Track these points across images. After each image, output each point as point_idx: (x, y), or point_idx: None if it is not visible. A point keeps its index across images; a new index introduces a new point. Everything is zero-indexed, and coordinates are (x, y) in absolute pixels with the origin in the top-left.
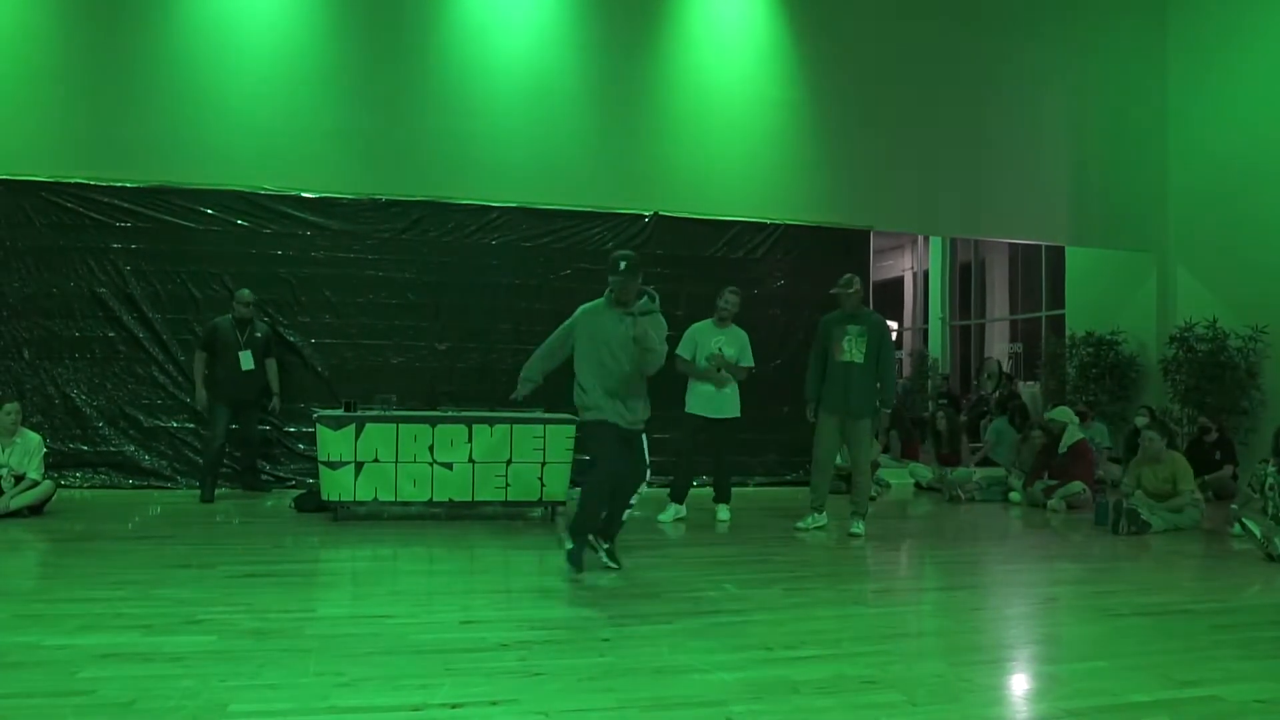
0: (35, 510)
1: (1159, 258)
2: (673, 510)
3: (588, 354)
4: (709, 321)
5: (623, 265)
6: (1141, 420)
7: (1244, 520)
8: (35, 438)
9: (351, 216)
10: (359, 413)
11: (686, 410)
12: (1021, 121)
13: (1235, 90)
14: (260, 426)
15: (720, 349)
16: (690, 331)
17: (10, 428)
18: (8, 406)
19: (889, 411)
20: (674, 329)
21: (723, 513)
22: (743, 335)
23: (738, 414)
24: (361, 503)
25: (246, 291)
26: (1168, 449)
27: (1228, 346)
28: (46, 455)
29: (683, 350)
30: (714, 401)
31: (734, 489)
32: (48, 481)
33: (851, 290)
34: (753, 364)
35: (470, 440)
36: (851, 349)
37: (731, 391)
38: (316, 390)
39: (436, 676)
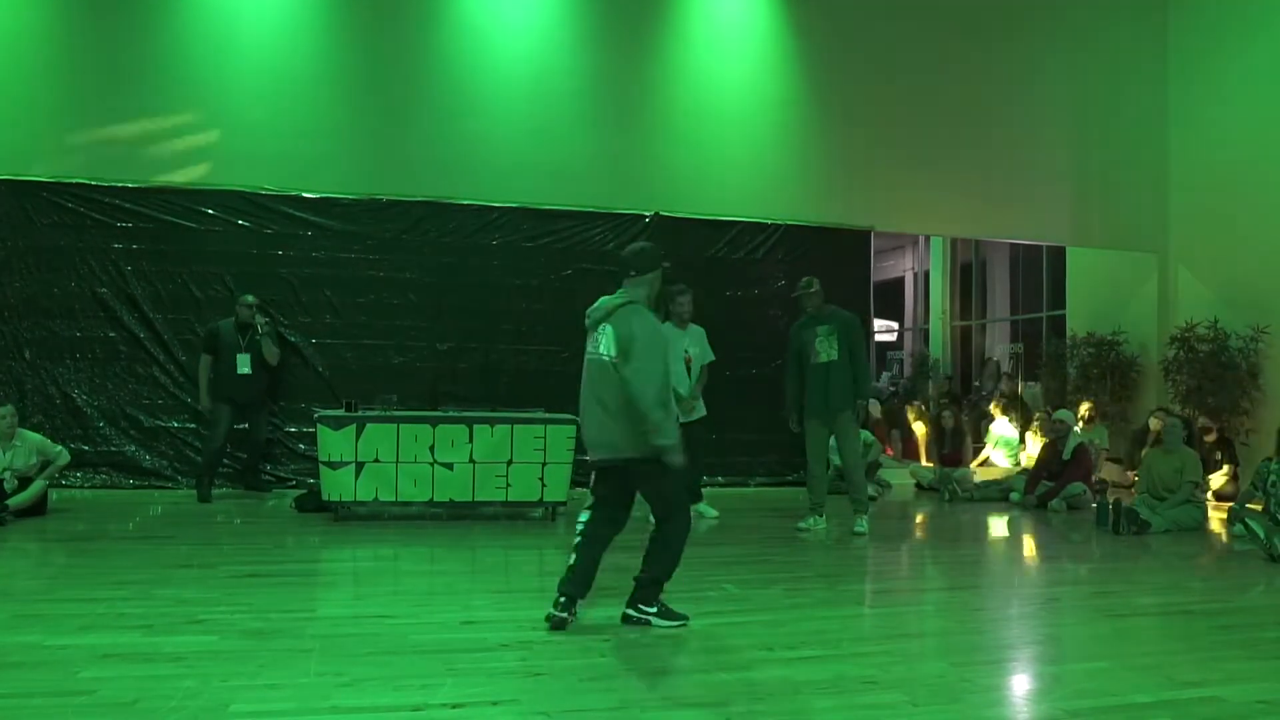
0: (36, 511)
1: (1160, 258)
2: None
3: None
4: (669, 324)
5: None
6: (1156, 422)
7: (1246, 520)
8: (35, 437)
9: (352, 217)
10: (360, 413)
11: None
12: (1022, 121)
13: (1235, 90)
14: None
15: (686, 351)
16: None
17: (7, 431)
18: (1, 410)
19: (875, 402)
20: None
21: (706, 510)
22: (701, 331)
23: (704, 413)
24: (362, 503)
25: (250, 296)
26: (1184, 445)
27: (1229, 347)
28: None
29: None
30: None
31: (734, 490)
32: (38, 482)
33: (812, 290)
34: (713, 357)
35: (471, 440)
36: (825, 349)
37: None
38: (317, 390)
39: (437, 676)
